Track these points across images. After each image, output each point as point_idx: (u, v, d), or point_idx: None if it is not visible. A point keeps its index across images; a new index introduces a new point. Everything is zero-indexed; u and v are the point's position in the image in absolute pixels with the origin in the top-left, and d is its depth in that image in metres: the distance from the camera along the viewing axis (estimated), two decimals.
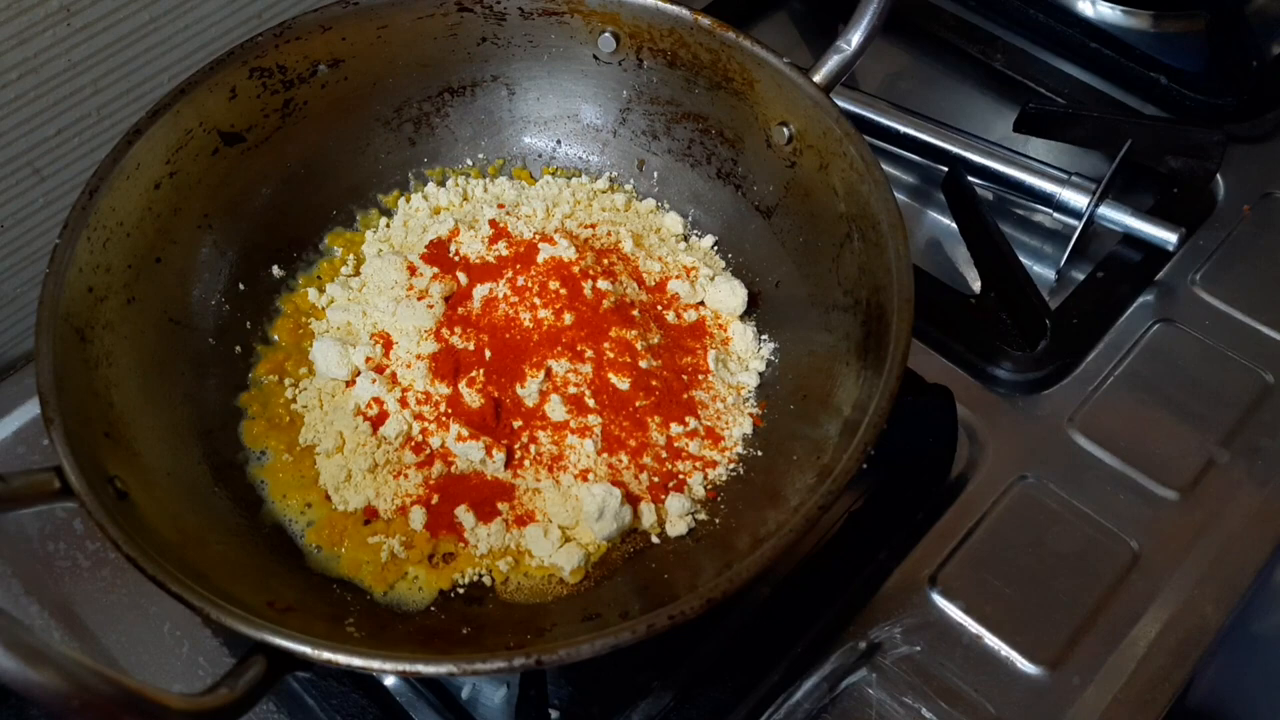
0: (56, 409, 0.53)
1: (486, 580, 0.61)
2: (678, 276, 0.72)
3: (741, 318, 0.71)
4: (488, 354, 0.65)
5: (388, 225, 0.76)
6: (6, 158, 0.72)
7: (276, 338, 0.70)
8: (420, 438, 0.64)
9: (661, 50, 0.72)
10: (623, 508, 0.62)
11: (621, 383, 0.64)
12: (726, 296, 0.70)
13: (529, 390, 0.64)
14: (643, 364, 0.65)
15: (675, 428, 0.65)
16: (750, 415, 0.67)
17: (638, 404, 0.64)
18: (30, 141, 0.73)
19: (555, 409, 0.64)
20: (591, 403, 0.64)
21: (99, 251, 0.61)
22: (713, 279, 0.71)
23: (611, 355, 0.65)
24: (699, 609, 0.49)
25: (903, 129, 0.87)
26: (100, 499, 0.51)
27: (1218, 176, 0.87)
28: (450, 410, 0.64)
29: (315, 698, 0.62)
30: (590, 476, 0.63)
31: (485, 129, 0.78)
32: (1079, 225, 0.81)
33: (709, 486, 0.64)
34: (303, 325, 0.71)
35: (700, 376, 0.68)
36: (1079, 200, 0.82)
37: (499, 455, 0.63)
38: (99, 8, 0.71)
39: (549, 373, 0.65)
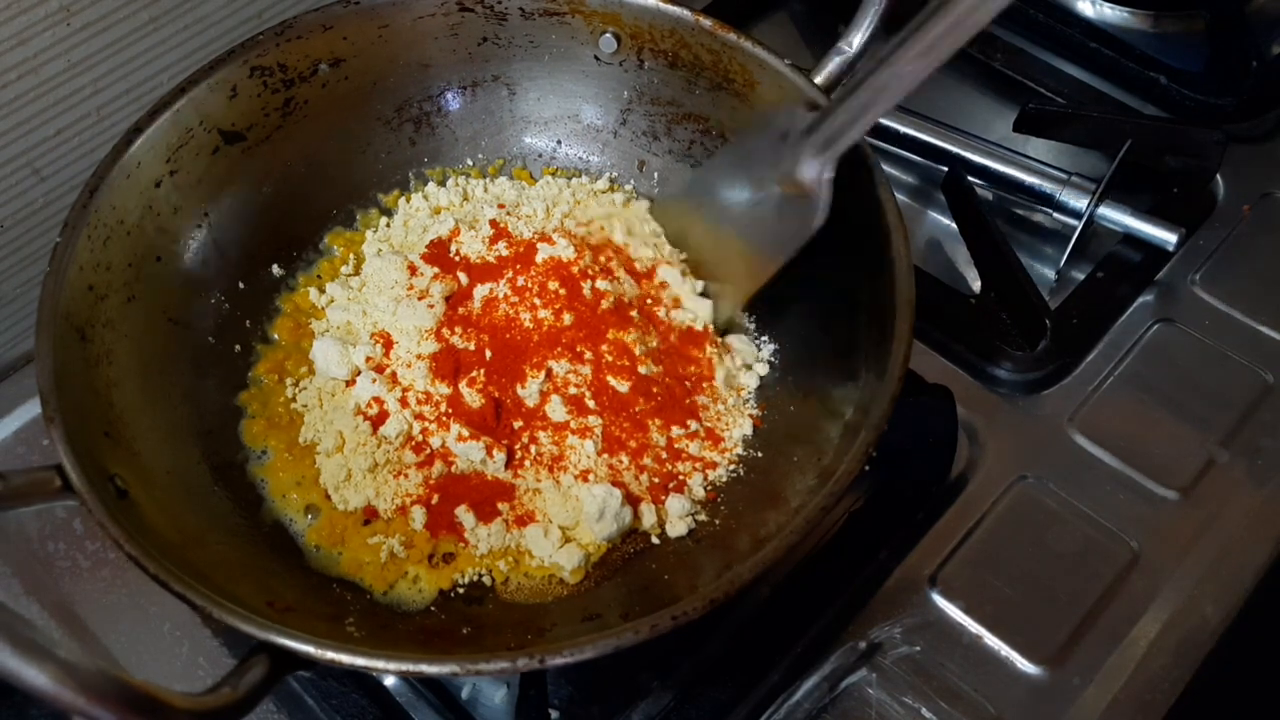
0: (57, 408, 0.53)
1: (486, 580, 0.61)
2: (668, 263, 0.71)
3: (741, 318, 0.71)
4: (488, 354, 0.65)
5: (388, 225, 0.75)
6: (6, 158, 0.72)
7: (276, 337, 0.70)
8: (420, 437, 0.64)
9: (662, 51, 0.72)
10: (623, 508, 0.62)
11: (621, 385, 0.64)
12: (702, 312, 0.70)
13: (529, 390, 0.64)
14: (642, 369, 0.65)
15: (675, 429, 0.65)
16: (750, 416, 0.67)
17: (638, 406, 0.64)
18: (30, 141, 0.72)
19: (555, 409, 0.64)
20: (592, 403, 0.64)
21: (99, 250, 0.60)
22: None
23: (610, 359, 0.65)
24: (702, 610, 0.49)
25: (903, 129, 0.87)
26: (101, 497, 0.51)
27: (1217, 176, 0.87)
28: (450, 410, 0.64)
29: (315, 698, 0.62)
30: (590, 477, 0.63)
31: (485, 129, 0.78)
32: (1079, 225, 0.81)
33: (709, 487, 0.64)
34: (303, 325, 0.71)
35: (704, 384, 0.67)
36: (1079, 200, 0.82)
37: (499, 455, 0.63)
38: (99, 8, 0.71)
39: (549, 373, 0.65)
